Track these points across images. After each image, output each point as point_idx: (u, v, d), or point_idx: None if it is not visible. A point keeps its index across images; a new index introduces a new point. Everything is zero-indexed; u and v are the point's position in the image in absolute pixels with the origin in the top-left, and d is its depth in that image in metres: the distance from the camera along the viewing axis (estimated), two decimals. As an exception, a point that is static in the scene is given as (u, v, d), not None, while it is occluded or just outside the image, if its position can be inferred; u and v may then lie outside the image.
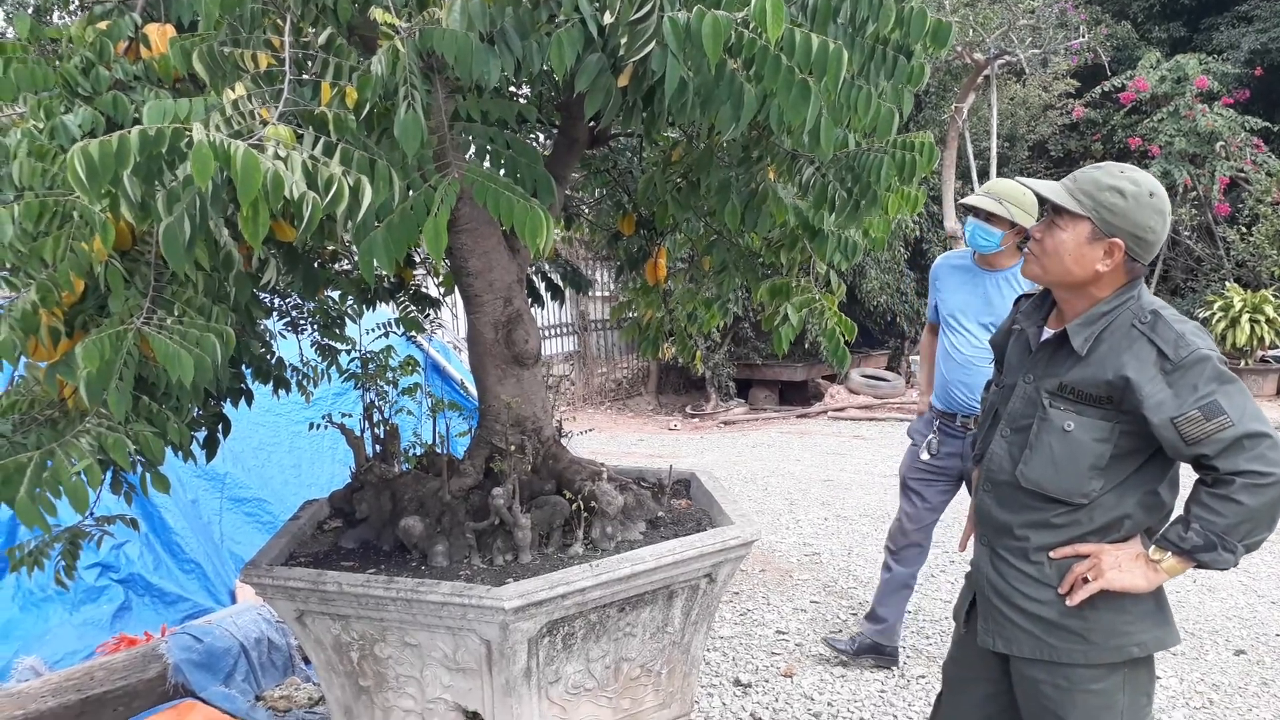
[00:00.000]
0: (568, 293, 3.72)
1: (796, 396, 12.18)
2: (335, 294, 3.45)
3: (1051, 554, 1.97)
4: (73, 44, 1.78)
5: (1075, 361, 1.93)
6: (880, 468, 7.86)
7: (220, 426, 2.84)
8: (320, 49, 1.61)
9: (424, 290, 3.44)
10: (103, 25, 1.82)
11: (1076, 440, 1.91)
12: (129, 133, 1.30)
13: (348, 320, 3.42)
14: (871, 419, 10.68)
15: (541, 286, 3.63)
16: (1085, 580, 1.92)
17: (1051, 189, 1.97)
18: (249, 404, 2.83)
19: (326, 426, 2.68)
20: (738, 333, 12.11)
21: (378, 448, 2.85)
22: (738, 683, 3.74)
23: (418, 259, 3.31)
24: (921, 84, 1.95)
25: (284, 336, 3.26)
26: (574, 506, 2.54)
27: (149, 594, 4.15)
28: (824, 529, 6.03)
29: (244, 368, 2.86)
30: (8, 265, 1.73)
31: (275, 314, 3.25)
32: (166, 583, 4.27)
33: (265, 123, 1.36)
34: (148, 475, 1.88)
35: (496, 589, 2.20)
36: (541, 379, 2.87)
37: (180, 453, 2.04)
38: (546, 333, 12.35)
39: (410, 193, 1.51)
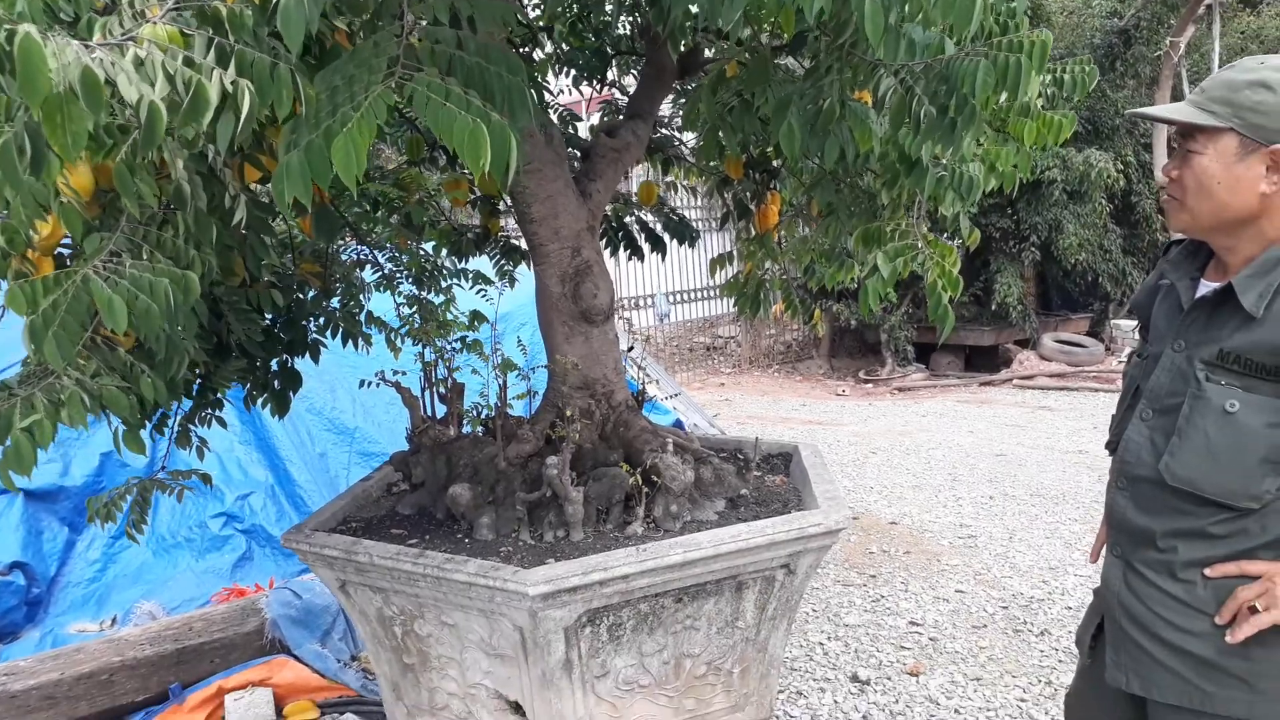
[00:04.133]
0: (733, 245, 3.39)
1: (984, 363, 11.29)
2: (429, 246, 3.31)
3: (1207, 572, 1.52)
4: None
5: (1243, 323, 1.47)
6: (1064, 443, 7.12)
7: (288, 382, 2.75)
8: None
9: (514, 242, 3.22)
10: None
11: (1242, 425, 1.46)
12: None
13: (444, 274, 3.27)
14: (1063, 388, 9.76)
15: (641, 238, 3.34)
16: (1253, 610, 1.47)
17: (1175, 109, 1.53)
18: (314, 358, 2.71)
19: (379, 384, 2.51)
20: (916, 293, 11.33)
21: (442, 408, 2.66)
22: (855, 678, 3.36)
23: (502, 206, 3.09)
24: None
25: (385, 289, 3.14)
26: (631, 482, 2.26)
27: (270, 545, 4.21)
28: (986, 509, 5.47)
29: (310, 321, 2.75)
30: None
31: (370, 266, 3.13)
32: (289, 535, 4.34)
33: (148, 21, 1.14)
34: (120, 431, 1.74)
35: (524, 572, 1.95)
36: (613, 338, 2.58)
37: (145, 414, 1.89)
38: (708, 292, 12.04)
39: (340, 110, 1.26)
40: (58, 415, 1.53)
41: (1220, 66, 9.95)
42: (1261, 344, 1.44)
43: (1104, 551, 1.82)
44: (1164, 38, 10.13)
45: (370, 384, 2.54)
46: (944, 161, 2.11)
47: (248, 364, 2.52)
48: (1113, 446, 1.72)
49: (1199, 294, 1.58)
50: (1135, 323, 1.93)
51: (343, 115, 1.22)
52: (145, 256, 1.58)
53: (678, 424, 5.80)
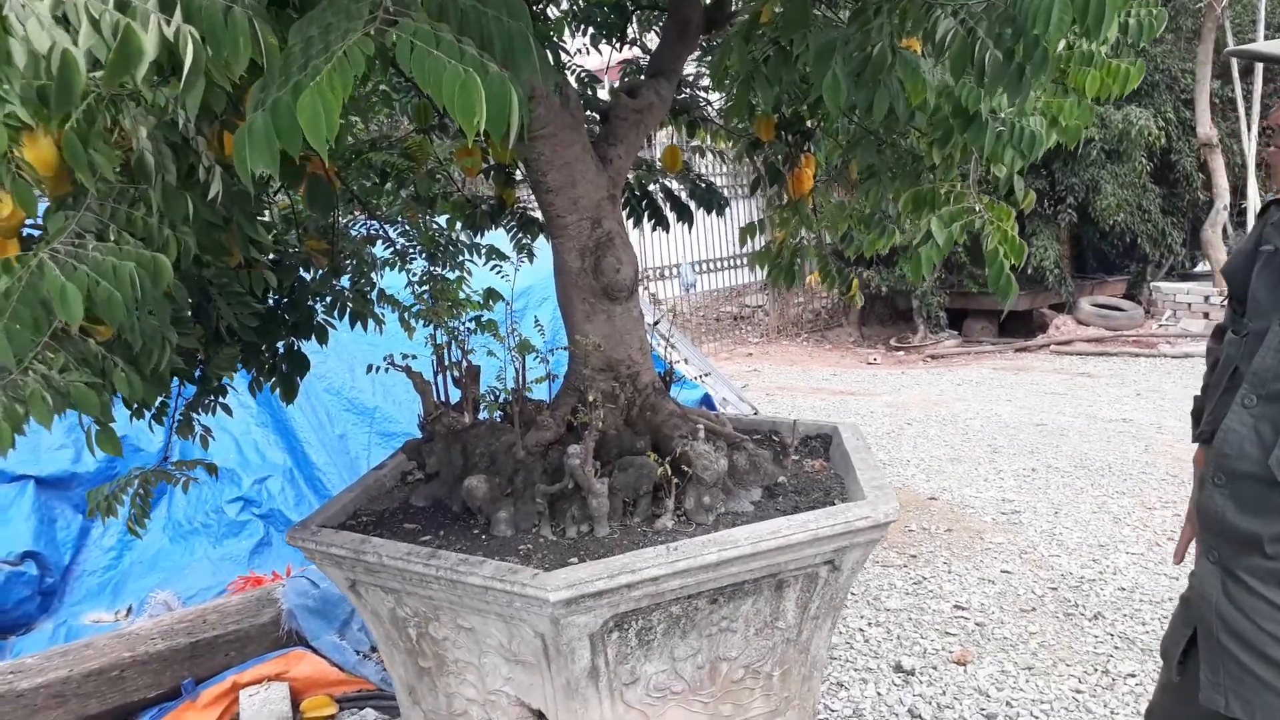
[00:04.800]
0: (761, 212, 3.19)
1: (1018, 328, 10.97)
2: (443, 219, 3.13)
3: None
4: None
5: None
6: (1106, 411, 6.87)
7: (295, 366, 2.60)
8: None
9: (532, 214, 3.03)
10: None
11: None
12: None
13: (459, 249, 3.09)
14: (1102, 354, 9.48)
15: (666, 207, 3.14)
16: None
17: None
18: (323, 341, 2.55)
19: (388, 369, 2.34)
20: (949, 257, 11.02)
21: (457, 393, 2.49)
22: (899, 668, 3.19)
23: (519, 176, 2.90)
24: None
25: (390, 266, 2.97)
26: (659, 471, 2.08)
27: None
28: (1029, 482, 5.25)
29: (315, 302, 2.59)
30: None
31: (381, 242, 2.95)
32: (307, 519, 4.22)
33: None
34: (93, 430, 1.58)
35: (544, 575, 1.78)
36: (638, 315, 2.40)
37: (132, 411, 1.75)
38: (735, 261, 11.80)
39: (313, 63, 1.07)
40: (19, 417, 1.37)
41: (1265, 18, 9.51)
42: None
43: (1192, 552, 1.63)
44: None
45: (379, 369, 2.37)
46: (1001, 115, 1.90)
47: (246, 349, 2.37)
48: (1206, 437, 1.52)
49: None
50: (1223, 289, 1.72)
51: (314, 68, 1.04)
52: (112, 237, 1.42)
53: (706, 399, 5.62)
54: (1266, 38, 9.05)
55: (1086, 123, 2.19)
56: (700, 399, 5.64)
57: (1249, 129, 9.04)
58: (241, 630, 3.20)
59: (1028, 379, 8.43)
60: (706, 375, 5.37)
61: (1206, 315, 9.90)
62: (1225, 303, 1.69)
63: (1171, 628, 1.65)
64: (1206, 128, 9.56)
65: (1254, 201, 8.98)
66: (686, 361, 5.27)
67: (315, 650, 3.22)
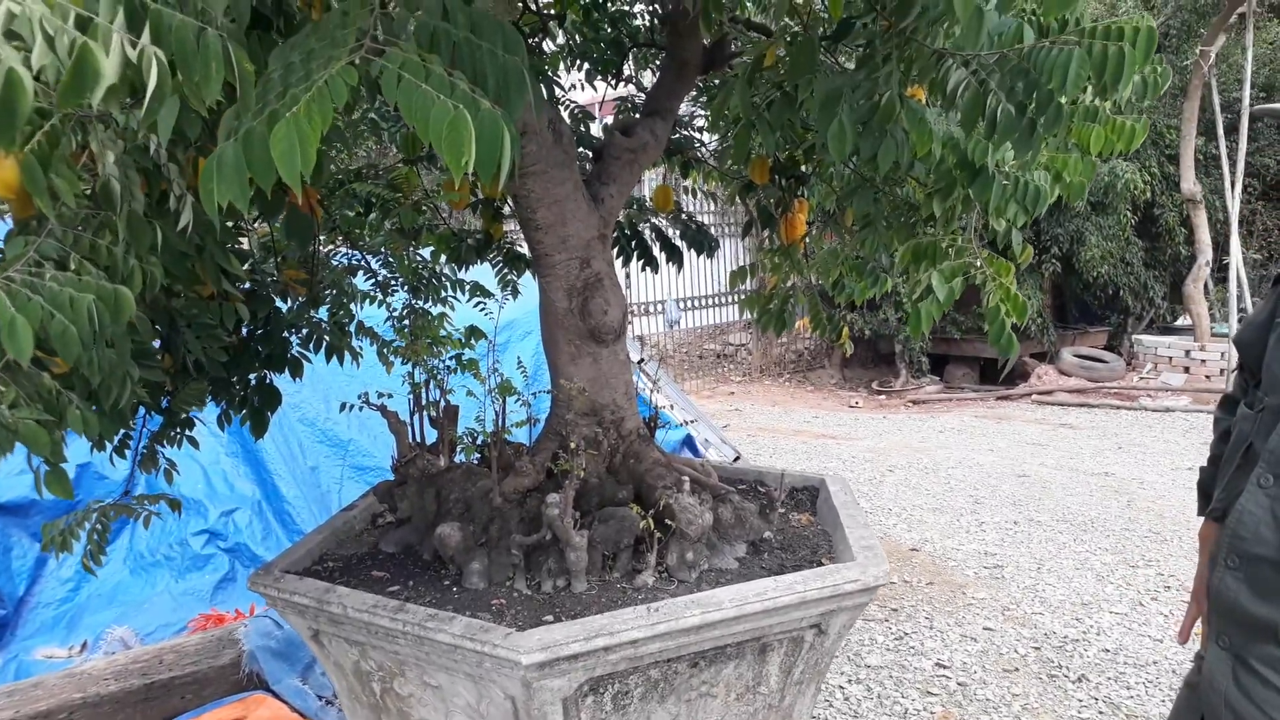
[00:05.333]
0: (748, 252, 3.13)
1: (999, 376, 10.99)
2: (427, 252, 3.05)
3: None
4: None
5: None
6: (1088, 464, 6.83)
7: (266, 400, 2.50)
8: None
9: (518, 249, 2.96)
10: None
11: None
12: None
13: (445, 283, 3.01)
14: (1083, 405, 9.47)
15: (656, 247, 3.07)
16: None
17: None
18: (296, 375, 2.45)
19: (363, 408, 2.25)
20: (933, 304, 11.04)
21: (435, 433, 2.40)
22: (880, 730, 3.09)
23: (507, 210, 2.83)
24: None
25: (371, 298, 2.88)
26: (641, 525, 2.00)
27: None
28: (1011, 535, 5.19)
29: (291, 334, 2.50)
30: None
31: (362, 273, 2.87)
32: (273, 555, 4.08)
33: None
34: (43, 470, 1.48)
35: (516, 635, 1.69)
36: (625, 359, 2.32)
37: (95, 446, 1.66)
38: (719, 299, 11.77)
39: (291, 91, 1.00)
40: None
41: (1251, 77, 9.64)
42: None
43: (1199, 633, 1.55)
44: (1194, 47, 9.83)
45: (353, 408, 2.28)
46: (1005, 169, 1.85)
47: (215, 382, 2.27)
48: (1218, 514, 1.45)
49: None
50: (1233, 355, 1.66)
51: (292, 97, 0.96)
52: (73, 266, 1.33)
53: (688, 440, 5.54)
54: (1252, 96, 9.16)
55: (1090, 179, 2.15)
56: (683, 440, 5.56)
57: (1232, 186, 9.12)
58: (200, 671, 3.07)
59: (1009, 428, 8.39)
60: (692, 421, 5.29)
61: (1187, 369, 9.93)
62: (1236, 371, 1.63)
63: (1175, 713, 1.57)
64: (1190, 183, 9.63)
65: (1236, 258, 9.04)
66: (673, 407, 5.19)
67: (276, 695, 3.08)
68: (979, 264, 1.83)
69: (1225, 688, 1.37)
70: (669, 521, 2.03)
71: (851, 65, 1.58)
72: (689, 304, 11.64)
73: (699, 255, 3.07)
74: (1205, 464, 1.68)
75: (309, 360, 2.54)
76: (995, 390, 10.38)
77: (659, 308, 11.36)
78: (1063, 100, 1.39)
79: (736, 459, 5.19)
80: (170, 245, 1.47)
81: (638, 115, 2.52)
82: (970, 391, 10.52)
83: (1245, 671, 1.35)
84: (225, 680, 3.11)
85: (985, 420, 8.90)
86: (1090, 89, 1.46)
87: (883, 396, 10.58)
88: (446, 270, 3.02)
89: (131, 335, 1.47)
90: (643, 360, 5.44)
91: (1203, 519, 1.64)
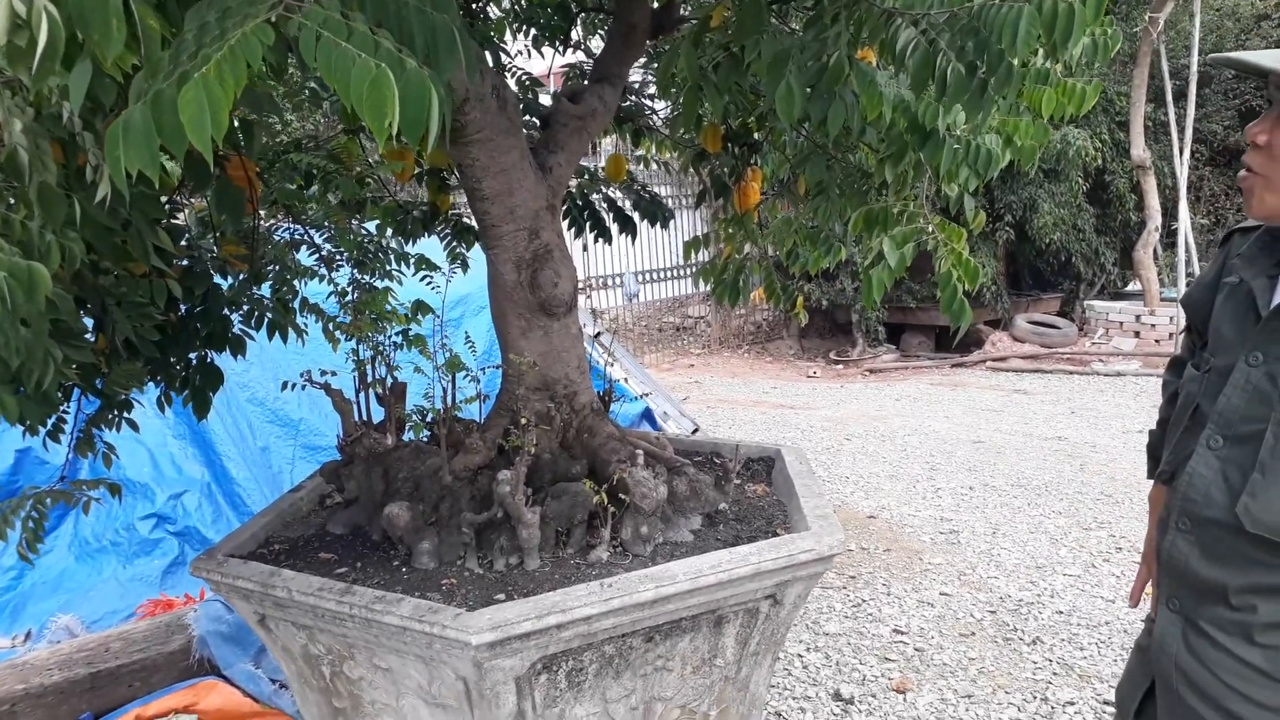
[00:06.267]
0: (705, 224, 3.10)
1: (954, 343, 11.10)
2: (373, 225, 2.97)
3: None
4: None
5: None
6: (1041, 429, 6.93)
7: (208, 380, 2.43)
8: None
9: (467, 221, 2.90)
10: None
11: None
12: None
13: (388, 257, 2.93)
14: (1037, 370, 9.60)
15: (609, 218, 3.03)
16: None
17: (1273, 56, 1.24)
18: (237, 354, 2.38)
19: (305, 387, 2.19)
20: (889, 273, 11.08)
21: (383, 410, 2.35)
22: (838, 696, 3.11)
23: (454, 181, 2.76)
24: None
25: (316, 273, 2.80)
26: (595, 500, 1.96)
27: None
28: (967, 501, 5.24)
29: (231, 312, 2.42)
30: None
31: (305, 247, 2.79)
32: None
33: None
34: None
35: (466, 615, 1.65)
36: (577, 332, 2.28)
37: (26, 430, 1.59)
38: (678, 271, 11.74)
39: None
40: None
41: (1199, 44, 9.74)
42: None
43: (1149, 597, 1.56)
44: (1142, 14, 9.91)
45: (297, 386, 2.22)
46: (957, 133, 1.83)
47: (153, 362, 2.20)
48: (1166, 477, 1.44)
49: (1276, 299, 1.30)
50: (1181, 318, 1.66)
51: (204, 57, 0.90)
52: (-14, 243, 1.26)
53: (647, 413, 5.51)
54: (1200, 63, 9.25)
55: (1042, 143, 2.13)
56: (641, 413, 5.53)
57: (1181, 152, 9.23)
58: (148, 659, 3.00)
59: (965, 395, 8.48)
60: (649, 394, 5.25)
61: (1137, 334, 10.10)
62: (1183, 333, 1.63)
63: (1127, 675, 1.57)
64: (1140, 150, 9.75)
65: (1185, 223, 9.17)
66: (627, 379, 5.15)
67: (228, 680, 3.03)
68: (930, 230, 1.81)
69: (1176, 650, 1.37)
70: (623, 496, 2.00)
71: (800, 26, 1.54)
72: (647, 277, 11.60)
73: (653, 226, 3.03)
74: (1154, 427, 1.68)
75: (252, 338, 2.47)
76: (950, 358, 10.48)
77: (617, 281, 11.30)
78: (1014, 60, 1.37)
79: (695, 431, 5.18)
80: (91, 219, 1.40)
81: (586, 82, 2.46)
82: (926, 360, 10.62)
83: (1195, 634, 1.35)
84: (175, 667, 3.04)
85: (940, 388, 8.98)
86: (1041, 50, 1.42)
87: (840, 366, 10.64)
88: (393, 244, 2.94)
89: (52, 314, 1.40)
90: (599, 334, 5.40)
91: (1152, 481, 1.64)
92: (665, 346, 11.80)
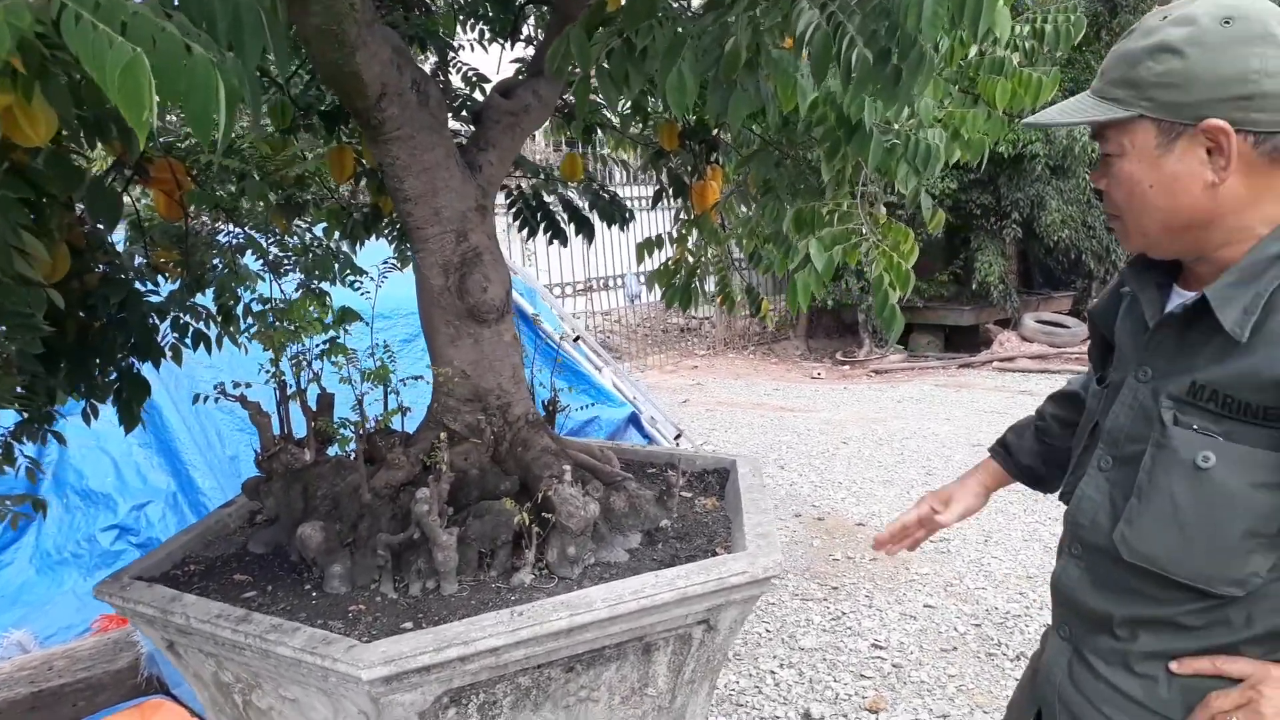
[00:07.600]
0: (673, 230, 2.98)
1: (964, 343, 10.89)
2: (320, 228, 2.87)
3: (1173, 666, 1.14)
4: None
5: (1222, 347, 1.07)
6: (1044, 431, 6.74)
7: (134, 391, 2.33)
8: None
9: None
10: None
11: (1219, 486, 1.06)
12: None
13: (340, 260, 2.83)
14: (1044, 371, 9.41)
15: (564, 219, 2.91)
16: None
17: (1066, 107, 1.16)
18: (159, 363, 2.28)
19: (219, 399, 2.08)
20: (895, 272, 10.90)
21: (310, 424, 2.24)
22: (807, 716, 2.98)
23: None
24: None
25: (261, 278, 2.69)
26: (517, 520, 1.85)
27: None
28: (961, 507, 5.08)
29: (161, 321, 2.32)
30: None
31: (251, 252, 2.68)
32: (189, 549, 3.92)
33: None
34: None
35: (360, 648, 1.54)
36: (510, 339, 2.16)
37: None
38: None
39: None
40: None
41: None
42: (1246, 376, 1.04)
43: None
44: (1151, 5, 9.70)
45: (207, 399, 2.11)
46: (895, 127, 1.70)
47: (72, 372, 2.10)
48: (1066, 496, 1.33)
49: (1169, 308, 1.18)
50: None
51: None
52: None
53: (633, 417, 5.40)
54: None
55: (997, 136, 2.00)
56: (627, 417, 5.41)
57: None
58: (93, 677, 2.91)
59: (968, 397, 8.31)
60: (634, 398, 5.14)
61: (1148, 333, 9.87)
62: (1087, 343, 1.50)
63: (1018, 695, 1.47)
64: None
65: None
66: (603, 374, 5.04)
67: (176, 699, 2.93)
68: (865, 231, 1.68)
69: (1060, 680, 1.29)
70: (548, 515, 1.89)
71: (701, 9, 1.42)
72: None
73: (610, 226, 2.91)
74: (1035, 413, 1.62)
75: (188, 346, 2.37)
76: (959, 358, 10.30)
77: (619, 282, 11.19)
78: (927, 45, 1.24)
79: (678, 436, 5.06)
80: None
81: (522, 76, 2.35)
82: (933, 360, 10.44)
83: (1079, 664, 1.26)
84: (122, 685, 2.95)
85: (945, 389, 8.82)
86: (955, 29, 1.30)
87: (846, 367, 10.48)
88: (344, 247, 2.84)
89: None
90: (578, 337, 5.29)
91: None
92: (669, 348, 11.67)
